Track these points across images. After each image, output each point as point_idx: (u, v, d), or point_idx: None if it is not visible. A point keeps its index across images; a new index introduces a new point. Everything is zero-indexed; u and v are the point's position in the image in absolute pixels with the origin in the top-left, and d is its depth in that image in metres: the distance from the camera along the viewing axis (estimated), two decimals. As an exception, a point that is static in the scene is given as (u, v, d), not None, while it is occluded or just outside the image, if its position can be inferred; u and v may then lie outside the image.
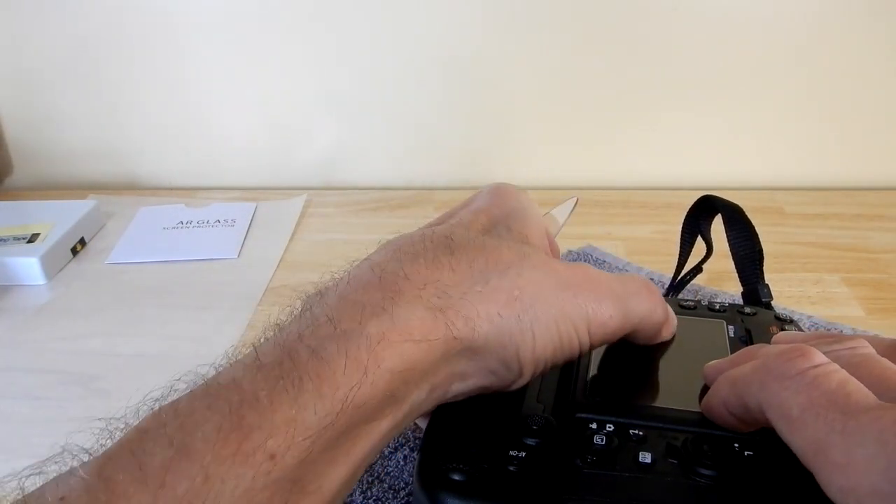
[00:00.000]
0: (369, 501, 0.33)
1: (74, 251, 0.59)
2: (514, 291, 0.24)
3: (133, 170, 0.74)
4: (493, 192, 0.29)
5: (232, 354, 0.23)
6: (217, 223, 0.63)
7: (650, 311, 0.28)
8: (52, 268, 0.56)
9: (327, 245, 0.61)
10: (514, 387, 0.26)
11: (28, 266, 0.55)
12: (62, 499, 0.18)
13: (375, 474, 0.35)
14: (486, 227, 0.28)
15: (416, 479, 0.25)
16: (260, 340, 0.23)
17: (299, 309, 0.24)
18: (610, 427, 0.26)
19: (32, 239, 0.57)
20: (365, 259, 0.26)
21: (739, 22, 0.64)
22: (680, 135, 0.69)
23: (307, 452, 0.20)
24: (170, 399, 0.21)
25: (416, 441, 0.36)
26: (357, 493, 0.34)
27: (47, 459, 0.20)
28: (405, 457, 0.36)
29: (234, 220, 0.64)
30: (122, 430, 0.20)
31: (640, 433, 0.25)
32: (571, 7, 0.64)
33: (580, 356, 0.27)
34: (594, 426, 0.26)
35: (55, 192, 0.72)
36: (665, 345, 0.31)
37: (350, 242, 0.61)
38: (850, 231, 0.60)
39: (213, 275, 0.56)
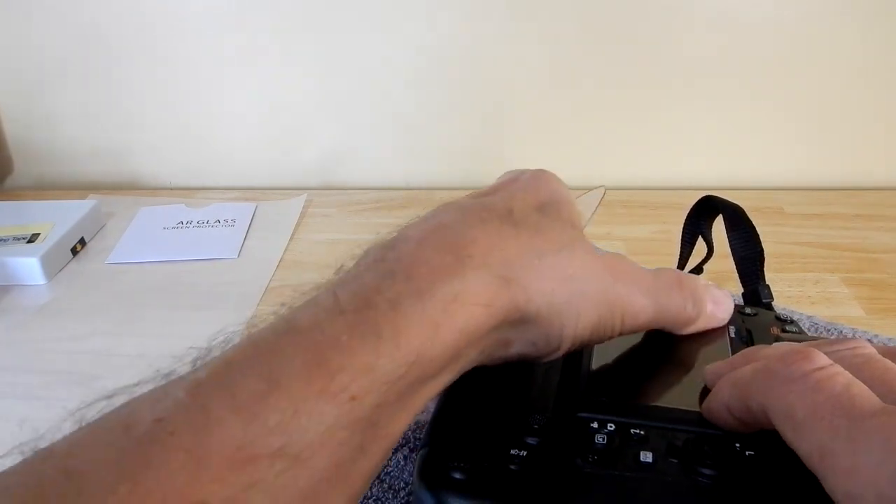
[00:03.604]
0: (369, 501, 0.33)
1: (74, 251, 0.59)
2: (569, 271, 0.26)
3: (133, 170, 0.75)
4: (537, 176, 0.30)
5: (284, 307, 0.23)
6: (217, 223, 0.63)
7: (681, 307, 0.29)
8: (52, 268, 0.56)
9: (327, 245, 0.61)
10: (548, 359, 0.27)
11: (28, 266, 0.55)
12: (159, 420, 0.18)
13: (376, 474, 0.35)
14: (538, 206, 0.28)
15: (416, 478, 0.25)
16: (333, 285, 0.23)
17: (371, 259, 0.25)
18: (611, 426, 0.26)
19: (32, 239, 0.57)
20: (431, 216, 0.27)
21: (740, 22, 0.64)
22: (680, 135, 0.69)
23: (383, 398, 0.21)
24: (208, 357, 0.22)
25: (416, 441, 0.36)
26: (357, 492, 0.34)
27: (138, 383, 0.21)
28: (405, 457, 0.35)
29: (234, 220, 0.64)
30: (166, 376, 0.21)
31: (642, 433, 0.25)
32: (571, 7, 0.64)
33: (591, 351, 0.29)
34: (595, 425, 0.26)
35: (55, 192, 0.72)
36: (666, 344, 0.31)
37: (350, 242, 0.60)
38: (849, 231, 0.60)
39: (213, 275, 0.56)
